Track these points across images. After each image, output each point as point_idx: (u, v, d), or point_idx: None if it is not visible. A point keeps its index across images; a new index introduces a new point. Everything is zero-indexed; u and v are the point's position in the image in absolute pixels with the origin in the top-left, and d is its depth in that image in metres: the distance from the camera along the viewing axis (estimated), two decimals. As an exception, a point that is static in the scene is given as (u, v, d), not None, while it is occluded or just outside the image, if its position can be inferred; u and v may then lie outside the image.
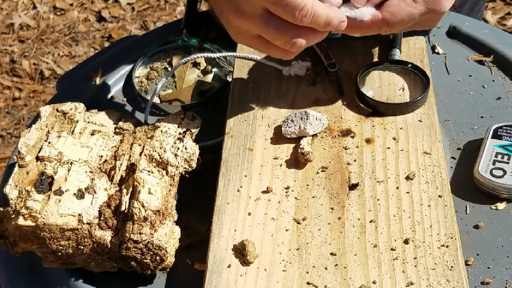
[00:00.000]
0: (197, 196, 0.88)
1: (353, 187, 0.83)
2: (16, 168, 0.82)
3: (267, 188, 0.84)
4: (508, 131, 0.89)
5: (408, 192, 0.82)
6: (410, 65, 0.97)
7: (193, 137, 0.88)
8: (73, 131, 0.87)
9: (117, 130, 0.89)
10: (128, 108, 1.04)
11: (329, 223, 0.80)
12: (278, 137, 0.90)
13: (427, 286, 0.73)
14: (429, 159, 0.85)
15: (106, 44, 2.49)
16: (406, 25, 0.84)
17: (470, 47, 1.05)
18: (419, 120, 0.90)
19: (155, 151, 0.84)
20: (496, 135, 0.88)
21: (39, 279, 0.85)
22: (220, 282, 0.75)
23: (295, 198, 0.83)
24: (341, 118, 0.92)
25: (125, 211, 0.78)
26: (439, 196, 0.81)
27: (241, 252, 0.78)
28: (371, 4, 0.85)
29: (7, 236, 0.79)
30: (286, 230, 0.80)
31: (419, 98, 0.92)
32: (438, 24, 0.98)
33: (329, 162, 0.86)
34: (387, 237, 0.78)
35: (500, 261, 0.78)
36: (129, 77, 1.08)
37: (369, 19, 0.84)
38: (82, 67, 1.15)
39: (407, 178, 0.83)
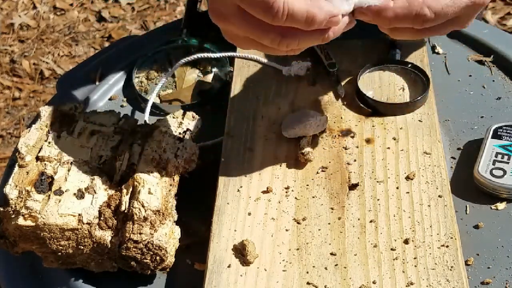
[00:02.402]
0: (197, 196, 0.88)
1: (353, 187, 0.83)
2: (16, 168, 0.82)
3: (267, 188, 0.84)
4: (508, 131, 0.89)
5: (408, 192, 0.82)
6: (410, 65, 0.97)
7: (193, 137, 0.88)
8: (73, 131, 0.87)
9: (117, 130, 0.88)
10: (128, 108, 1.04)
11: (329, 223, 0.80)
12: (278, 137, 0.90)
13: (427, 286, 0.73)
14: (429, 159, 0.85)
15: (106, 44, 2.49)
16: (446, 18, 0.73)
17: (470, 47, 1.05)
18: (419, 120, 0.90)
19: (155, 151, 0.84)
20: (496, 135, 0.88)
21: (39, 279, 0.85)
22: (220, 282, 0.75)
23: (295, 198, 0.83)
24: (341, 118, 0.92)
25: (125, 211, 0.78)
26: (439, 196, 0.81)
27: (241, 252, 0.78)
28: None
29: (7, 236, 0.79)
30: (286, 230, 0.80)
31: (419, 98, 0.92)
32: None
33: (329, 162, 0.86)
34: (387, 237, 0.78)
35: (500, 261, 0.78)
36: (129, 77, 1.08)
37: (379, 4, 0.73)
38: (82, 67, 1.15)
39: (407, 178, 0.83)
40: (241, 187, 0.85)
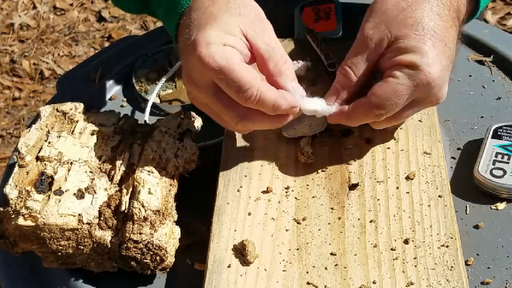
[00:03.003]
0: (197, 196, 0.88)
1: (353, 187, 0.83)
2: (16, 168, 0.82)
3: (267, 188, 0.84)
4: (508, 131, 0.89)
5: (408, 192, 0.82)
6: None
7: (193, 137, 0.88)
8: (73, 131, 0.87)
9: (117, 130, 0.88)
10: (128, 108, 1.04)
11: (329, 223, 0.80)
12: (278, 137, 0.90)
13: (427, 286, 0.73)
14: (429, 159, 0.85)
15: (106, 44, 2.49)
16: (398, 104, 0.78)
17: (470, 47, 1.05)
18: (419, 120, 0.90)
19: (155, 151, 0.84)
20: (496, 135, 0.88)
21: (39, 279, 0.85)
22: (220, 282, 0.75)
23: (295, 198, 0.83)
24: (341, 118, 0.92)
25: (125, 211, 0.78)
26: (439, 196, 0.81)
27: (241, 252, 0.78)
28: (340, 100, 0.82)
29: (7, 236, 0.79)
30: (286, 230, 0.80)
31: (419, 98, 0.92)
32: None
33: (329, 162, 0.86)
34: (387, 237, 0.78)
35: (500, 261, 0.78)
36: (129, 77, 1.08)
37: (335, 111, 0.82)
38: (82, 67, 1.15)
39: (407, 178, 0.83)
40: (241, 187, 0.85)
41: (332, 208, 0.82)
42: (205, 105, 0.81)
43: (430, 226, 0.78)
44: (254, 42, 0.79)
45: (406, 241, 0.77)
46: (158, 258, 0.77)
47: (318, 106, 0.82)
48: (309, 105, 0.82)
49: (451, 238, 0.77)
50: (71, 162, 0.82)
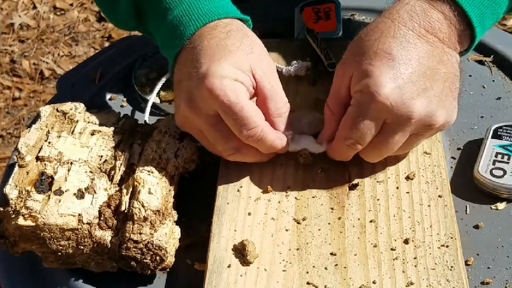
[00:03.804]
0: (197, 196, 0.88)
1: (353, 187, 0.83)
2: (16, 168, 0.82)
3: (267, 188, 0.84)
4: (508, 131, 0.89)
5: (408, 192, 0.82)
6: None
7: (193, 137, 0.88)
8: (73, 131, 0.87)
9: (117, 130, 0.88)
10: (128, 108, 1.04)
11: (329, 223, 0.80)
12: (278, 137, 0.90)
13: (427, 286, 0.73)
14: (429, 159, 0.85)
15: (106, 44, 2.49)
16: (363, 132, 0.78)
17: (470, 47, 1.05)
18: (419, 120, 0.90)
19: (155, 151, 0.84)
20: (496, 135, 0.88)
21: (39, 279, 0.85)
22: (220, 282, 0.75)
23: (295, 198, 0.83)
24: (341, 118, 0.92)
25: (125, 211, 0.78)
26: (439, 196, 0.81)
27: (241, 252, 0.78)
28: (325, 137, 0.84)
29: (7, 236, 0.79)
30: (286, 230, 0.80)
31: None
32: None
33: (329, 162, 0.86)
34: (387, 237, 0.78)
35: (500, 261, 0.78)
36: (129, 77, 1.08)
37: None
38: (82, 67, 1.15)
39: (407, 178, 0.83)
40: (241, 187, 0.85)
41: (332, 208, 0.82)
42: (199, 131, 0.83)
43: (430, 226, 0.78)
44: (260, 81, 0.81)
45: (406, 241, 0.77)
46: (158, 258, 0.77)
47: (308, 145, 0.85)
48: (300, 145, 0.85)
49: (451, 238, 0.77)
50: (71, 162, 0.82)
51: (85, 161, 0.83)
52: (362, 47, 0.79)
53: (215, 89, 0.78)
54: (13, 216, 0.77)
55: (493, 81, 1.00)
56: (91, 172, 0.82)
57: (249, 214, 0.82)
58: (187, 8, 0.85)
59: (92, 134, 0.87)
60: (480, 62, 1.03)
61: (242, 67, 0.80)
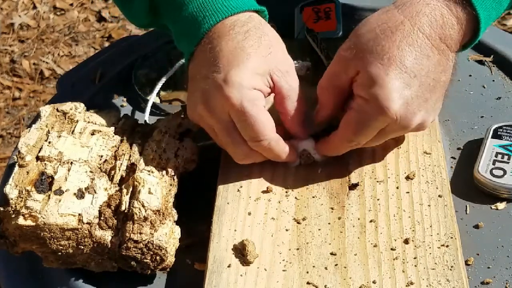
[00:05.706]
0: (197, 196, 0.88)
1: (353, 187, 0.83)
2: (16, 168, 0.82)
3: (267, 188, 0.84)
4: (508, 131, 0.89)
5: (408, 192, 0.82)
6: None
7: (193, 137, 0.88)
8: (73, 131, 0.87)
9: (117, 130, 0.89)
10: (128, 108, 1.04)
11: (329, 223, 0.80)
12: (278, 137, 0.90)
13: (427, 286, 0.73)
14: (429, 159, 0.85)
15: (106, 44, 2.48)
16: (365, 134, 0.80)
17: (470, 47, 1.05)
18: (419, 120, 0.90)
19: (155, 151, 0.84)
20: (496, 135, 0.88)
21: (39, 279, 0.85)
22: (220, 282, 0.75)
23: (295, 198, 0.83)
24: (341, 118, 0.92)
25: (125, 211, 0.78)
26: (439, 196, 0.81)
27: (241, 252, 0.78)
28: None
29: (7, 236, 0.79)
30: (286, 230, 0.80)
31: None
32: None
33: (329, 162, 0.86)
34: (387, 237, 0.78)
35: (500, 261, 0.78)
36: (129, 77, 1.08)
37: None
38: (82, 67, 1.15)
39: (407, 178, 0.83)
40: (241, 187, 0.85)
41: (332, 208, 0.82)
42: (213, 130, 0.84)
43: (430, 226, 0.78)
44: (278, 82, 0.83)
45: (406, 241, 0.77)
46: (158, 258, 0.77)
47: (308, 146, 0.87)
48: (301, 146, 0.87)
49: (451, 238, 0.77)
50: (71, 162, 0.82)
51: (85, 161, 0.83)
52: (377, 45, 0.78)
53: (232, 98, 0.79)
54: (13, 216, 0.77)
55: (493, 81, 1.00)
56: (91, 172, 0.82)
57: (249, 214, 0.82)
58: (202, 2, 0.84)
59: (92, 134, 0.87)
60: (480, 62, 1.03)
61: (260, 71, 0.81)
